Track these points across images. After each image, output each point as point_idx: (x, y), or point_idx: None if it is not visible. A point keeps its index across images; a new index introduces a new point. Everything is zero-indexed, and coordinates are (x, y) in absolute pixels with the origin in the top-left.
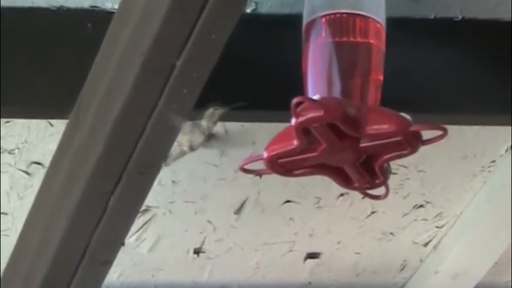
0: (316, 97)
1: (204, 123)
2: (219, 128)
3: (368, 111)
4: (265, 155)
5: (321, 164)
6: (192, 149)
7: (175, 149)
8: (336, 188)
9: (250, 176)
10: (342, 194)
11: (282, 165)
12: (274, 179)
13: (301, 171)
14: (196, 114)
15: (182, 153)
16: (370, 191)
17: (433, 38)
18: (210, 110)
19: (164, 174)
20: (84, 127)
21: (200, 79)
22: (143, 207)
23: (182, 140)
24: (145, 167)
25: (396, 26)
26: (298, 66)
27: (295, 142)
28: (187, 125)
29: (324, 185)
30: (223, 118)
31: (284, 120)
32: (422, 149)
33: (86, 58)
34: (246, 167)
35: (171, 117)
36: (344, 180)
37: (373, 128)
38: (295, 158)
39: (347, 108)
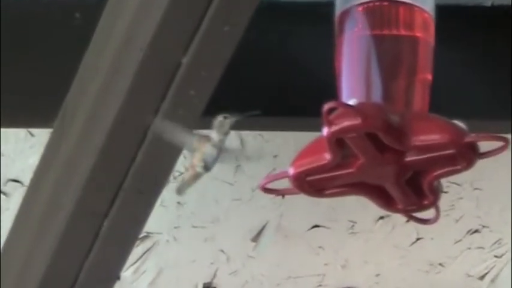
0: (352, 102)
1: (214, 135)
2: (233, 138)
3: (414, 119)
4: (291, 171)
5: (357, 183)
6: (207, 168)
7: (186, 172)
8: (374, 210)
9: (271, 196)
10: (381, 217)
11: (311, 183)
12: (300, 199)
13: (334, 190)
14: (207, 122)
15: (196, 176)
16: (416, 214)
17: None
18: (219, 119)
19: (168, 194)
20: (72, 137)
21: (210, 79)
22: (143, 234)
23: (193, 159)
24: (145, 185)
25: (448, 15)
26: (329, 64)
27: (327, 156)
28: (195, 139)
29: (359, 207)
30: (237, 127)
31: (313, 129)
32: (479, 163)
33: (73, 55)
34: (267, 186)
35: (176, 124)
36: (385, 201)
37: (421, 139)
38: (327, 175)
39: (389, 115)
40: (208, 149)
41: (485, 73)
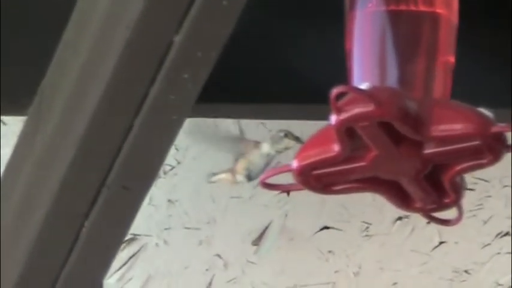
0: (364, 86)
1: (267, 146)
2: (230, 126)
3: (434, 106)
4: (295, 164)
5: (370, 178)
6: (249, 178)
7: (223, 175)
8: (391, 210)
9: (275, 193)
10: (399, 218)
11: (318, 178)
12: (307, 197)
13: (343, 186)
14: (204, 110)
15: (234, 183)
16: (437, 214)
17: None
18: (279, 134)
19: (158, 191)
20: (49, 127)
21: (207, 61)
22: (129, 236)
23: (236, 164)
24: (131, 181)
25: None
26: (337, 43)
27: (336, 148)
28: (242, 143)
29: (374, 206)
30: (235, 114)
31: (320, 117)
32: (508, 157)
33: (50, 33)
34: (268, 180)
35: (167, 112)
36: (401, 199)
37: (442, 129)
38: (336, 168)
39: (406, 101)
40: (256, 158)
41: (484, 60)
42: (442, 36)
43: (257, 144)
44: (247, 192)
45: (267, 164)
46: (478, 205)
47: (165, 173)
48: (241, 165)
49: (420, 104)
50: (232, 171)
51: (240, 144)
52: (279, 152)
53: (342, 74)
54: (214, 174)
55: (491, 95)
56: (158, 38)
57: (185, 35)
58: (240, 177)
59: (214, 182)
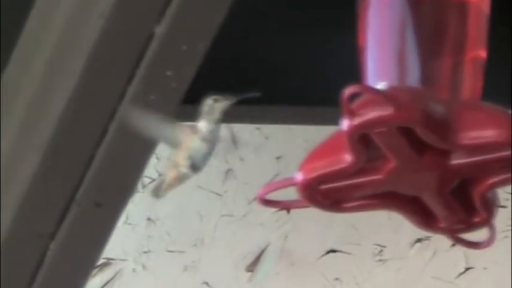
0: (381, 86)
1: (202, 124)
2: (222, 132)
3: (463, 109)
4: (300, 177)
5: (387, 193)
6: (195, 168)
7: (168, 171)
8: (408, 230)
9: (272, 210)
10: (418, 240)
11: (326, 193)
12: (311, 215)
13: (356, 203)
14: (190, 112)
15: (181, 178)
16: (464, 235)
17: None
18: (208, 102)
19: (135, 208)
20: (9, 132)
21: (193, 56)
22: (101, 260)
23: (176, 156)
24: (105, 196)
25: None
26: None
27: (348, 158)
28: (178, 131)
29: (389, 226)
30: (228, 118)
31: (328, 122)
32: None
33: (10, 22)
34: (267, 196)
35: (146, 114)
36: (423, 217)
37: (472, 136)
38: (347, 182)
39: (430, 103)
40: (195, 143)
41: None
42: (471, 27)
43: (194, 127)
44: (240, 210)
45: (211, 145)
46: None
47: (143, 186)
48: (181, 156)
49: (446, 106)
50: (174, 165)
51: (176, 132)
52: (217, 122)
53: (354, 71)
54: (152, 180)
55: (491, 95)
56: (137, 29)
57: (168, 26)
58: (184, 169)
59: (158, 191)
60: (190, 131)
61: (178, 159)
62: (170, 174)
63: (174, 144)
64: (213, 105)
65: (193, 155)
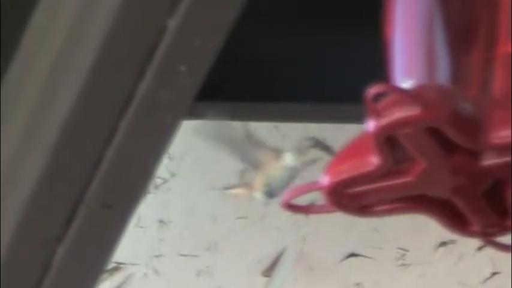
0: (408, 84)
1: (289, 156)
2: (237, 128)
3: (495, 107)
4: (326, 181)
5: (416, 197)
6: (270, 196)
7: (239, 190)
8: (432, 233)
9: (289, 212)
10: (442, 244)
11: (353, 197)
12: (330, 217)
13: (385, 207)
14: (206, 108)
15: (247, 199)
16: (496, 239)
17: None
18: (304, 143)
19: (147, 209)
20: (14, 132)
21: (207, 50)
22: (111, 264)
23: (254, 179)
24: (115, 197)
25: None
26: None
27: (375, 160)
28: (261, 153)
29: (412, 229)
30: (243, 115)
31: (352, 120)
32: None
33: (14, 18)
34: (292, 201)
35: (159, 112)
36: (456, 221)
37: (504, 135)
38: (375, 186)
39: (460, 102)
40: (277, 171)
41: None
42: (503, 21)
43: (278, 153)
44: (256, 212)
45: (290, 179)
46: None
47: (156, 187)
48: (260, 180)
49: (476, 104)
50: (248, 186)
51: (256, 152)
52: (305, 164)
53: (373, 67)
54: (227, 188)
55: None
56: (148, 23)
57: (181, 19)
58: (258, 194)
59: (228, 195)
60: (273, 156)
61: (256, 183)
62: (241, 193)
63: (255, 165)
64: (310, 147)
65: (272, 182)
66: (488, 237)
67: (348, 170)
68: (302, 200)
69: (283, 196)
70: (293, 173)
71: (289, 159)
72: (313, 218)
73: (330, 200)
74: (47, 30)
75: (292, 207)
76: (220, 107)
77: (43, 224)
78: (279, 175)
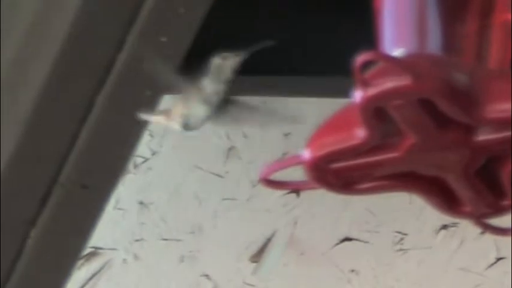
0: (398, 53)
1: (208, 84)
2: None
3: (490, 78)
4: (308, 155)
5: (405, 174)
6: (187, 128)
7: (158, 116)
8: (433, 215)
9: (279, 193)
10: (443, 227)
11: (338, 173)
12: (323, 198)
13: (371, 184)
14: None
15: (168, 128)
16: (493, 221)
17: None
18: (216, 61)
19: (126, 191)
20: None
21: (190, 19)
22: (88, 249)
23: (174, 109)
24: (91, 177)
25: None
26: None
27: (361, 133)
28: (179, 84)
29: (410, 211)
30: (231, 90)
31: (339, 94)
32: None
33: None
34: (270, 177)
35: (139, 86)
36: (447, 201)
37: (500, 109)
38: (361, 161)
39: (454, 72)
40: (195, 105)
41: None
42: None
43: (196, 83)
44: (243, 193)
45: (213, 108)
46: None
47: (135, 166)
48: (177, 110)
49: (471, 75)
50: (167, 114)
51: (178, 84)
52: (224, 82)
53: (367, 37)
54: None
55: None
56: None
57: None
58: (176, 125)
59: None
60: (192, 88)
61: (173, 113)
62: (159, 119)
63: (179, 96)
64: (222, 63)
65: (190, 115)
66: (481, 218)
67: (332, 144)
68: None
69: (261, 171)
70: (215, 99)
71: (207, 83)
72: (304, 199)
73: (312, 176)
74: None
75: (270, 183)
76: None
77: (15, 205)
78: (198, 106)
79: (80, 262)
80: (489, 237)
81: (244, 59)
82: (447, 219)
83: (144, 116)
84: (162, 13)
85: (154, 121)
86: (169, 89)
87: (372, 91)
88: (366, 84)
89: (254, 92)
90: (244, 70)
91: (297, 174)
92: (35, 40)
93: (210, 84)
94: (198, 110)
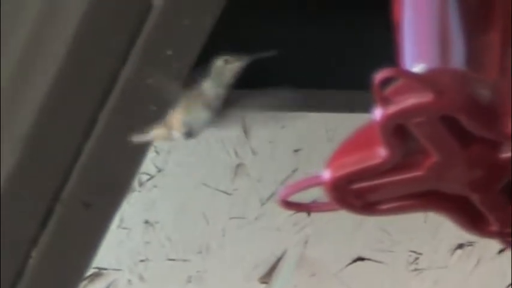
0: (419, 69)
1: (209, 87)
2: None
3: None
4: (328, 175)
5: (428, 193)
6: (189, 136)
7: (157, 130)
8: (448, 234)
9: (289, 212)
10: (459, 246)
11: (358, 194)
12: (335, 217)
13: (393, 205)
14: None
15: (169, 140)
16: None
17: None
18: (218, 63)
19: (131, 209)
20: None
21: (197, 32)
22: (92, 270)
23: (173, 117)
24: (95, 195)
25: None
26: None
27: (382, 152)
28: (180, 90)
29: (426, 230)
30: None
31: (357, 109)
32: None
33: None
34: (289, 198)
35: (144, 100)
36: (473, 220)
37: None
38: (382, 181)
39: (477, 87)
40: (196, 109)
41: None
42: None
43: (196, 88)
44: (252, 211)
45: (214, 112)
46: None
47: (140, 184)
48: (177, 117)
49: (495, 90)
50: (165, 124)
51: (176, 91)
52: (225, 86)
53: (383, 51)
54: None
55: None
56: (132, 1)
57: None
58: (177, 134)
59: (143, 140)
60: (192, 93)
61: (173, 121)
62: (158, 132)
63: (173, 104)
64: (224, 66)
65: (191, 121)
66: (508, 237)
67: (352, 163)
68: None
69: (280, 193)
70: (215, 104)
71: (208, 87)
72: (315, 217)
73: (332, 197)
74: (20, 8)
75: (289, 205)
76: None
77: (15, 224)
78: (199, 110)
79: (83, 283)
80: (507, 257)
81: (246, 63)
82: (463, 238)
83: (139, 138)
84: (167, 25)
85: (153, 137)
86: (174, 102)
87: (393, 108)
88: (386, 101)
89: (264, 107)
90: (252, 83)
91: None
92: (36, 54)
93: (211, 88)
94: (199, 115)
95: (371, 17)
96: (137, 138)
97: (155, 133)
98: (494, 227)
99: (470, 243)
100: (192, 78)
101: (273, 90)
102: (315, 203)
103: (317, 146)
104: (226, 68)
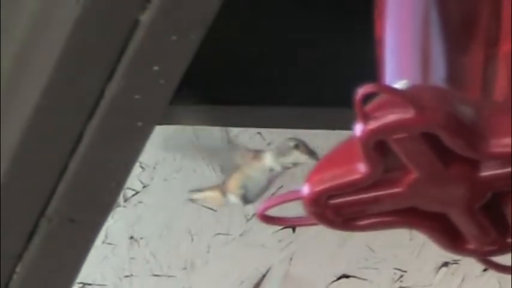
0: (401, 85)
1: (269, 157)
2: (217, 134)
3: (495, 112)
4: (307, 190)
5: (408, 209)
6: (246, 201)
7: (212, 193)
8: (433, 252)
9: (275, 228)
10: (444, 264)
11: (337, 209)
12: (320, 234)
13: (372, 221)
14: (181, 114)
15: (220, 203)
16: (497, 259)
17: None
18: (289, 143)
19: (116, 225)
20: None
21: (185, 48)
22: (76, 286)
23: (230, 180)
24: (80, 211)
25: None
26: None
27: (362, 168)
28: (238, 154)
29: (411, 248)
30: (223, 120)
31: (339, 126)
32: None
33: None
34: (267, 212)
35: (130, 116)
36: (451, 238)
37: (504, 143)
38: (361, 196)
39: (457, 105)
40: (256, 172)
41: None
42: (505, 16)
43: (257, 154)
44: (238, 228)
45: (269, 183)
46: None
47: (125, 199)
48: (235, 181)
49: (476, 108)
50: (222, 188)
51: (233, 153)
52: (285, 167)
53: (367, 68)
54: (199, 190)
55: None
56: (118, 17)
57: (154, 13)
58: (233, 198)
59: (195, 200)
60: (251, 157)
61: (230, 184)
62: (212, 196)
63: (231, 167)
64: (292, 149)
65: (249, 184)
66: (486, 256)
67: (332, 178)
68: (283, 211)
69: (259, 206)
70: (272, 176)
71: (268, 159)
72: (300, 234)
73: (311, 212)
74: (9, 22)
75: (268, 219)
76: (198, 111)
77: (0, 240)
78: (257, 177)
79: None
80: (492, 275)
81: (311, 162)
82: (448, 256)
83: (195, 196)
84: (154, 41)
85: (208, 198)
86: (223, 159)
87: (373, 124)
88: (367, 117)
89: (251, 123)
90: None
91: (293, 208)
92: (22, 71)
93: (271, 161)
94: (258, 180)
95: (352, 33)
96: (192, 196)
97: (209, 195)
98: (472, 245)
99: (455, 261)
100: (258, 151)
101: (261, 107)
102: (295, 217)
103: (306, 162)
104: (293, 153)
